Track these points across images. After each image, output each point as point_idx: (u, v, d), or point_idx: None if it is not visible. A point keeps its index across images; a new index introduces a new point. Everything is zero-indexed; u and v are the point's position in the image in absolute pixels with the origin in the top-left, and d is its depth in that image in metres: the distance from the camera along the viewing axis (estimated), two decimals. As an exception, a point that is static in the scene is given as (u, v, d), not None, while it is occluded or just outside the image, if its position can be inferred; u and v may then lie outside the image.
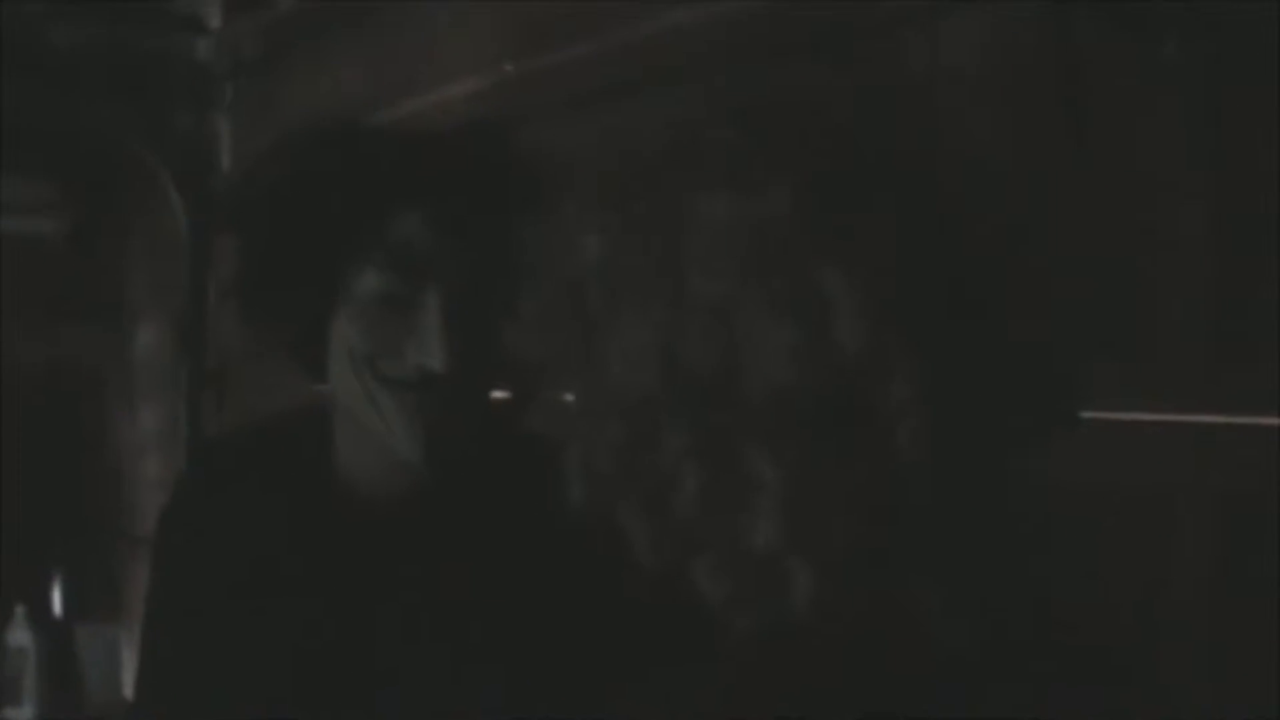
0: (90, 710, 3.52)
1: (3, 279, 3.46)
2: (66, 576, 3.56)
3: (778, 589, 1.01)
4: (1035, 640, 1.10)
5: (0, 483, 3.38)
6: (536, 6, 2.45)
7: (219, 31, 3.48)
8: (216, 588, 1.59)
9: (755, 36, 1.92)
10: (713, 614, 1.04)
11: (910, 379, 0.98)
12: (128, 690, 3.45)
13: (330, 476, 1.59)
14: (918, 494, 1.01)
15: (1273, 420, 1.41)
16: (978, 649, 1.04)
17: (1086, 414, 1.25)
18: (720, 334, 0.99)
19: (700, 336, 0.99)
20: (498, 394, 1.55)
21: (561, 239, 1.09)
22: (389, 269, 1.47)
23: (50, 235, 3.58)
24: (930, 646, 1.03)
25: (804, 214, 0.99)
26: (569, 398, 1.08)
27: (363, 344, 1.49)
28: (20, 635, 3.43)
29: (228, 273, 1.62)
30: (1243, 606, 1.44)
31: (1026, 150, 1.55)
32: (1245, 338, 1.47)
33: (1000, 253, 1.09)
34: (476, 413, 1.51)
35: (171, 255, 3.57)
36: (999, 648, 1.06)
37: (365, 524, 1.57)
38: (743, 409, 0.99)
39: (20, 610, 3.43)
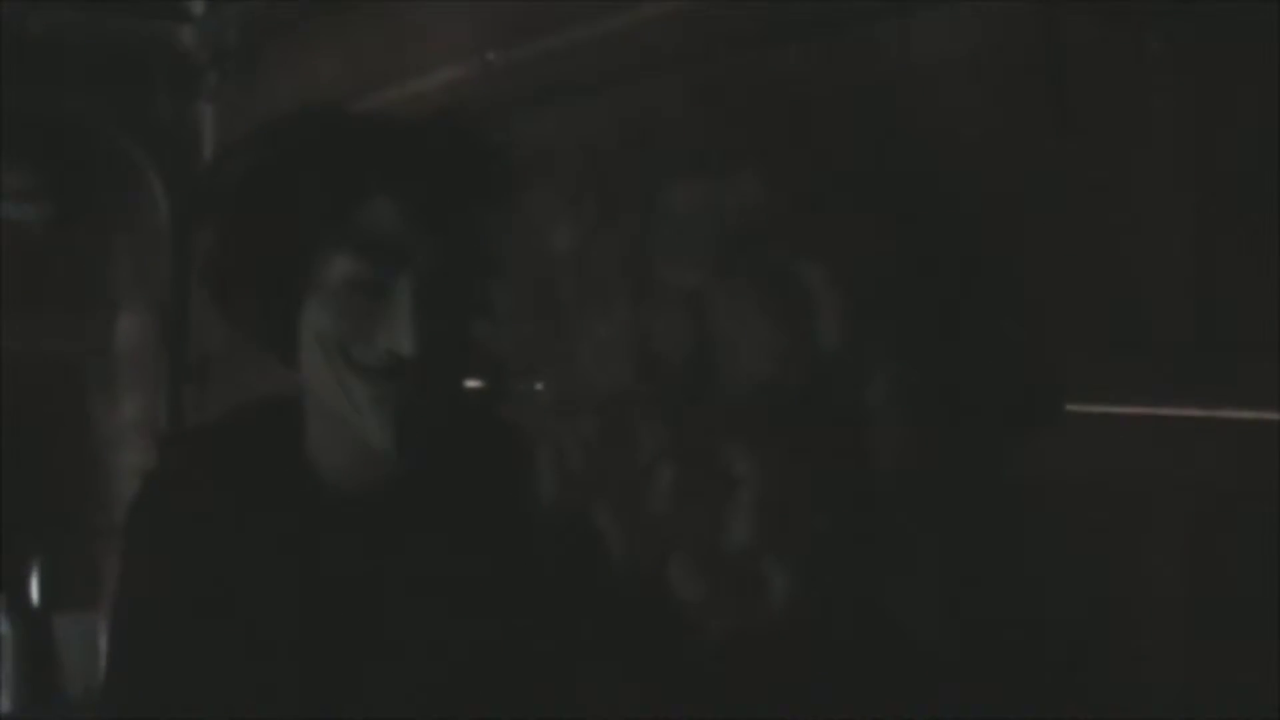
0: (67, 699, 3.51)
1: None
2: (44, 565, 3.54)
3: (753, 586, 0.99)
4: (1014, 635, 1.09)
5: (-23, 471, 3.37)
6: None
7: (201, 19, 3.46)
8: (184, 578, 1.58)
9: (735, 26, 1.90)
10: (687, 610, 1.03)
11: (889, 375, 0.97)
12: (105, 680, 3.43)
13: (300, 465, 1.58)
14: (896, 490, 0.99)
15: (1254, 414, 1.40)
16: (956, 645, 1.03)
17: (1070, 408, 1.24)
18: (694, 328, 0.98)
19: (674, 331, 0.98)
20: (471, 383, 1.54)
21: (533, 229, 1.08)
22: (361, 255, 1.46)
23: (31, 223, 3.56)
24: (908, 643, 1.02)
25: (779, 208, 0.98)
26: (539, 387, 1.06)
27: (334, 330, 1.48)
28: (-3, 624, 3.42)
29: (201, 258, 1.60)
30: (1222, 602, 1.43)
31: (1009, 145, 1.53)
32: (1228, 333, 1.46)
33: (982, 248, 1.08)
34: (447, 400, 1.50)
35: (153, 244, 3.55)
36: (977, 643, 1.05)
37: (335, 511, 1.55)
38: (718, 405, 0.97)
39: (-3, 599, 3.43)
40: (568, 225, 1.04)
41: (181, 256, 3.49)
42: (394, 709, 1.51)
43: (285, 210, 1.49)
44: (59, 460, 3.66)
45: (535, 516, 1.11)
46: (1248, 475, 1.39)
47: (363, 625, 1.53)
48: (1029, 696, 1.09)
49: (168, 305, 3.53)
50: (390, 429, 1.46)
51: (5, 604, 3.44)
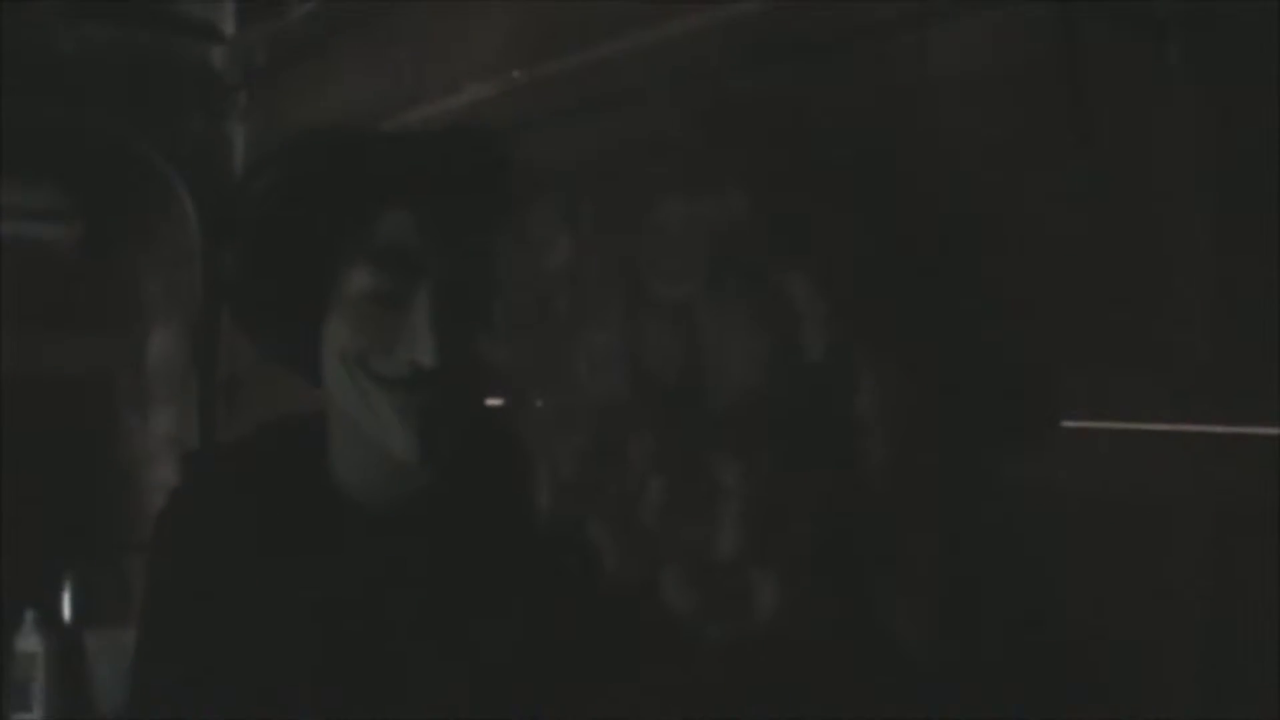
0: (99, 715, 3.52)
1: (14, 285, 3.46)
2: (76, 581, 3.55)
3: (743, 596, 0.99)
4: (1006, 646, 1.09)
5: (10, 487, 3.38)
6: (547, 13, 2.44)
7: (233, 38, 3.48)
8: (208, 592, 1.59)
9: (761, 41, 1.90)
10: (680, 620, 1.03)
11: (877, 386, 0.97)
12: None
13: (325, 478, 1.59)
14: (885, 501, 0.99)
15: (1270, 430, 1.39)
16: (944, 656, 1.03)
17: (1081, 424, 1.23)
18: (685, 341, 0.98)
19: (665, 343, 0.98)
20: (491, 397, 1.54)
21: (533, 244, 1.08)
22: (380, 267, 1.48)
23: (62, 241, 3.58)
24: (897, 653, 1.02)
25: (771, 221, 0.98)
26: (539, 401, 1.07)
27: (355, 342, 1.49)
28: (29, 640, 3.42)
29: (223, 275, 1.62)
30: (1236, 619, 1.42)
31: (1019, 157, 1.53)
32: (1245, 346, 1.45)
33: (980, 259, 1.07)
34: (469, 409, 1.51)
35: (184, 262, 3.57)
36: (967, 654, 1.04)
37: (360, 524, 1.57)
38: (708, 416, 0.97)
39: (29, 615, 3.43)
40: (566, 239, 1.04)
41: (212, 274, 3.50)
42: (414, 714, 1.52)
43: (304, 225, 1.51)
44: (91, 476, 3.68)
45: (539, 529, 1.12)
46: (1265, 491, 1.38)
47: (386, 637, 1.54)
48: (1028, 707, 1.09)
49: (198, 323, 3.54)
50: (414, 440, 1.47)
51: (37, 619, 3.45)
